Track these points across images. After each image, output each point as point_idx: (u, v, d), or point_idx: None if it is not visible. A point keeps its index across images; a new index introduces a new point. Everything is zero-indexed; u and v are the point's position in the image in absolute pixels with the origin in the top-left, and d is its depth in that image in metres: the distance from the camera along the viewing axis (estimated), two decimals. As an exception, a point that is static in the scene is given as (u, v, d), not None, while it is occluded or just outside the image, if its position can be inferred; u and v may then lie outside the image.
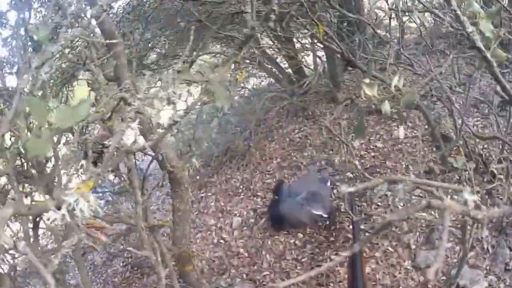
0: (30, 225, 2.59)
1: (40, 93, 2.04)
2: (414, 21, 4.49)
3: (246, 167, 5.98)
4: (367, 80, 1.69)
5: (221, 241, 4.92)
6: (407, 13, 4.10)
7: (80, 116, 1.11)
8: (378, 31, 5.12)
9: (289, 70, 6.80)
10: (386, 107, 1.72)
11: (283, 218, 4.52)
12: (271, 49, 6.74)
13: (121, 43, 2.77)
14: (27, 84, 1.49)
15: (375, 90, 1.67)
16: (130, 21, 6.34)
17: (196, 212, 5.60)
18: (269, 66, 7.20)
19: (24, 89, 1.50)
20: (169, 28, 6.78)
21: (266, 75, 7.90)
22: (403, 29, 4.99)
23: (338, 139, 4.99)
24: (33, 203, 2.31)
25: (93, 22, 2.34)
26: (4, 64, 4.78)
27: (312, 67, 6.92)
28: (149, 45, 6.55)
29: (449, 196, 0.80)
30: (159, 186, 5.68)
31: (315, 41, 6.24)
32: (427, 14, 4.31)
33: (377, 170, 4.60)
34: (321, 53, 6.29)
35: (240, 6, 3.91)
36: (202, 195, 5.94)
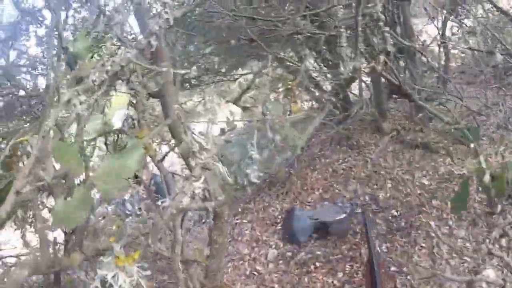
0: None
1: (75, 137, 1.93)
2: (459, 49, 4.41)
3: (286, 196, 5.96)
4: (472, 147, 1.64)
5: (254, 273, 4.88)
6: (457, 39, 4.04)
7: (130, 172, 1.06)
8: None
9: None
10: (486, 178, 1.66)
11: (293, 229, 4.96)
12: (316, 73, 6.74)
13: (169, 65, 2.80)
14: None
15: (480, 159, 1.62)
16: (172, 31, 6.40)
17: (229, 239, 5.55)
18: (314, 90, 7.20)
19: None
20: (213, 42, 6.82)
21: (309, 99, 7.86)
22: (448, 56, 4.92)
23: (384, 173, 4.93)
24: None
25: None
26: (37, 64, 4.91)
27: (355, 91, 6.85)
28: (191, 58, 6.53)
29: None
30: (201, 222, 5.65)
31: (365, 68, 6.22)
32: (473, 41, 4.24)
33: (423, 209, 4.48)
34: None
35: (296, 26, 3.87)
36: (237, 221, 5.94)
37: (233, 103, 3.15)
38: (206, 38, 6.54)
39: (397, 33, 4.73)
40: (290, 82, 3.01)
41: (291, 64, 6.23)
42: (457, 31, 5.54)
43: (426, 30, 6.37)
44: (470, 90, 5.14)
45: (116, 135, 4.56)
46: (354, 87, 6.99)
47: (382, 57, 3.62)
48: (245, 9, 4.10)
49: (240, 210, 6.12)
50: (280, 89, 7.92)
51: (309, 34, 3.77)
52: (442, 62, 4.56)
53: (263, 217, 5.78)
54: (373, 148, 5.80)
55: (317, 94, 7.23)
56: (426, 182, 4.78)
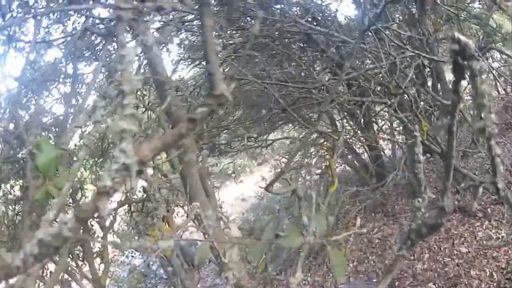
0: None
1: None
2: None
3: (319, 268, 5.85)
4: None
5: None
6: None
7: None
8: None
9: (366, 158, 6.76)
10: None
11: None
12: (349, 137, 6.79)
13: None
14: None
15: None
16: (200, 95, 6.57)
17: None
18: (347, 154, 7.21)
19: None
20: (244, 107, 6.96)
21: (342, 162, 7.86)
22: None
23: (421, 242, 4.82)
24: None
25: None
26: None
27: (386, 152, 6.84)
28: (222, 123, 6.61)
29: None
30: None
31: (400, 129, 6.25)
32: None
33: (461, 280, 4.31)
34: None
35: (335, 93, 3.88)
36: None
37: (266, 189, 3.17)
38: (235, 102, 6.72)
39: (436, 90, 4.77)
40: (329, 159, 3.07)
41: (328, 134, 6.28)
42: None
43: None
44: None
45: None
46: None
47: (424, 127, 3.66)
48: (273, 73, 4.14)
49: (269, 281, 6.00)
50: (313, 155, 7.97)
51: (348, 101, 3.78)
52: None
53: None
54: (409, 215, 5.69)
55: (350, 157, 7.25)
56: (464, 250, 4.63)
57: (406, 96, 3.67)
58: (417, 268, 4.69)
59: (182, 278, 2.78)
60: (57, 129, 5.09)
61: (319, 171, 6.36)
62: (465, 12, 5.55)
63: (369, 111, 5.16)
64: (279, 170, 2.83)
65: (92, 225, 4.13)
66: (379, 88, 4.37)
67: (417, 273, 4.68)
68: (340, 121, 5.36)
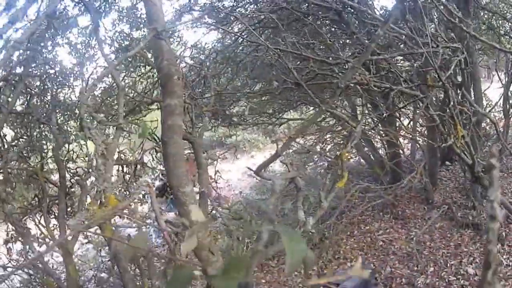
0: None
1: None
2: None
3: (314, 262, 5.48)
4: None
5: None
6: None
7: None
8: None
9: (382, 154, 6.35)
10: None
11: None
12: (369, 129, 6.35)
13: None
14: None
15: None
16: (216, 62, 6.22)
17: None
18: (364, 147, 6.82)
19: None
20: (262, 80, 6.57)
21: (357, 154, 7.47)
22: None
23: (427, 253, 4.45)
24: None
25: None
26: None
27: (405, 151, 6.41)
28: (237, 95, 6.24)
29: None
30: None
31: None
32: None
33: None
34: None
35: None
36: (254, 280, 5.47)
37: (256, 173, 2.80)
38: (253, 74, 6.32)
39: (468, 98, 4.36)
40: (341, 150, 2.70)
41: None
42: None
43: (485, 93, 5.97)
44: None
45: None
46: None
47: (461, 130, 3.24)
48: (295, 45, 3.65)
49: (260, 265, 5.69)
50: (328, 142, 7.58)
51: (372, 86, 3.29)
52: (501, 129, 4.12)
53: (285, 281, 5.32)
54: (419, 222, 5.30)
55: (366, 150, 6.85)
56: (471, 271, 4.21)
57: (443, 92, 3.24)
58: (419, 282, 4.29)
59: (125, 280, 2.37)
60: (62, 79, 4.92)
61: (329, 159, 5.96)
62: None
63: (394, 103, 4.71)
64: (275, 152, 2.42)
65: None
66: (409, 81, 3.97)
67: (418, 286, 4.29)
68: (361, 108, 4.93)
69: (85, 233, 3.40)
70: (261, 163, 2.57)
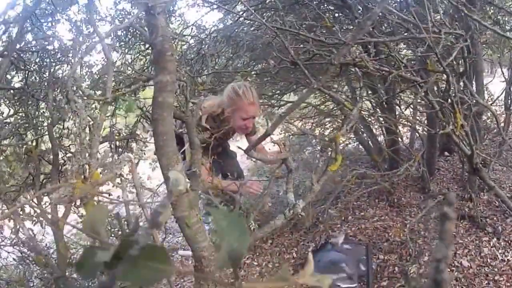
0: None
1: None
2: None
3: (308, 244, 5.48)
4: None
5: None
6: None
7: None
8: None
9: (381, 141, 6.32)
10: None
11: None
12: (367, 114, 6.31)
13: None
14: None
15: None
16: (217, 41, 6.17)
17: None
18: (362, 132, 6.78)
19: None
20: (262, 61, 6.52)
21: (354, 139, 7.43)
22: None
23: (421, 243, 4.44)
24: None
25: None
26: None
27: (403, 139, 6.37)
28: (234, 74, 6.19)
29: None
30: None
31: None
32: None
33: (458, 296, 3.93)
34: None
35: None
36: (247, 261, 5.47)
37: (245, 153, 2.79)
38: (254, 55, 6.27)
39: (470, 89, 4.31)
40: (336, 132, 2.66)
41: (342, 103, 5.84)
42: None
43: (487, 87, 5.91)
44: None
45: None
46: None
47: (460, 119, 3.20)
48: (293, 24, 3.58)
49: (253, 247, 5.69)
50: (328, 127, 7.56)
51: (366, 69, 3.20)
52: (502, 124, 4.09)
53: (277, 264, 5.33)
54: (415, 210, 5.27)
55: (364, 136, 6.81)
56: (466, 264, 4.20)
57: (444, 79, 3.19)
58: (412, 271, 4.29)
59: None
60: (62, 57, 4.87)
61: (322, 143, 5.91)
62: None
63: (393, 88, 4.66)
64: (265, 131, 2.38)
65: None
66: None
67: (410, 275, 4.29)
68: (360, 89, 4.87)
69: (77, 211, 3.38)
70: (252, 142, 2.54)
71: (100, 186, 1.22)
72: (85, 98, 1.60)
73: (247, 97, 3.81)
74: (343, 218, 5.82)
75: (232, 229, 0.53)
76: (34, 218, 3.29)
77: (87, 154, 1.38)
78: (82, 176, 1.31)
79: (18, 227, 3.34)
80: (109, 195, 1.51)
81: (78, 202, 1.26)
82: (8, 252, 4.75)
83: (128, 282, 0.48)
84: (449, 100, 3.00)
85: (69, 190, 1.19)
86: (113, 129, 3.70)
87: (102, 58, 5.43)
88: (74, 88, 1.59)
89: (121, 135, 3.90)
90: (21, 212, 3.34)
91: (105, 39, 1.89)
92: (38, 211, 3.52)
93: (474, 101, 3.72)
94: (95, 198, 1.29)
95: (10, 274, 4.84)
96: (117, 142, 3.92)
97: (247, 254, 5.47)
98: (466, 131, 3.01)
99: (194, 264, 2.00)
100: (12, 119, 4.16)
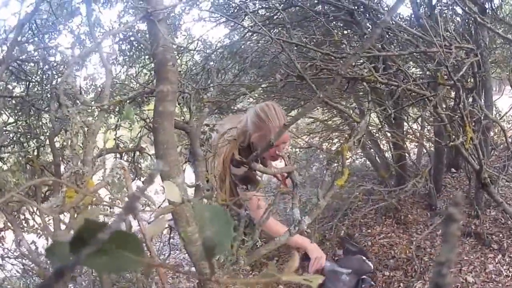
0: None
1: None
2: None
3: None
4: None
5: None
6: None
7: None
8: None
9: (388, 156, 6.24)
10: None
11: None
12: (375, 130, 6.26)
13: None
14: None
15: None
16: (223, 57, 6.17)
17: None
18: (370, 148, 6.72)
19: None
20: (269, 78, 6.50)
21: (361, 155, 7.38)
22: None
23: (427, 259, 4.36)
24: None
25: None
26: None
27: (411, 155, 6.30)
28: (239, 88, 6.16)
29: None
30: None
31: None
32: None
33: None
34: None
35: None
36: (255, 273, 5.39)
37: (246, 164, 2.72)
38: (261, 71, 6.26)
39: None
40: (343, 144, 2.60)
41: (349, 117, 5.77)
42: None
43: (496, 103, 5.86)
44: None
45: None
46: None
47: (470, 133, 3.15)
48: (300, 39, 3.54)
49: (259, 264, 5.60)
50: (335, 142, 7.47)
51: (375, 83, 3.11)
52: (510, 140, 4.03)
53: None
54: (421, 228, 5.19)
55: (372, 151, 6.75)
56: (471, 280, 4.10)
57: (454, 92, 3.14)
58: (417, 287, 4.20)
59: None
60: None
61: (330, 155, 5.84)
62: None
63: (401, 103, 4.62)
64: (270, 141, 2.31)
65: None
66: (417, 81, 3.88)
67: (414, 293, 4.20)
68: (368, 103, 4.82)
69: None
70: (253, 154, 2.49)
71: (93, 195, 1.17)
72: (80, 104, 1.56)
73: (276, 119, 3.19)
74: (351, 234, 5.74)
75: (214, 221, 0.49)
76: (39, 231, 3.24)
77: (79, 162, 1.33)
78: (75, 184, 1.26)
79: (18, 239, 3.29)
80: (110, 207, 1.46)
81: (70, 212, 1.22)
82: (13, 265, 4.71)
83: (92, 267, 0.45)
84: (459, 113, 2.94)
85: (60, 200, 1.15)
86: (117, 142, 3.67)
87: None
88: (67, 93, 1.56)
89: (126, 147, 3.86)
90: (25, 225, 3.30)
91: (104, 48, 1.86)
92: (42, 223, 3.48)
93: (483, 115, 3.65)
94: (89, 208, 1.24)
95: (14, 286, 4.79)
96: (124, 155, 3.88)
97: (247, 265, 5.37)
98: (475, 144, 2.95)
99: (197, 282, 1.94)
100: (12, 127, 4.13)
